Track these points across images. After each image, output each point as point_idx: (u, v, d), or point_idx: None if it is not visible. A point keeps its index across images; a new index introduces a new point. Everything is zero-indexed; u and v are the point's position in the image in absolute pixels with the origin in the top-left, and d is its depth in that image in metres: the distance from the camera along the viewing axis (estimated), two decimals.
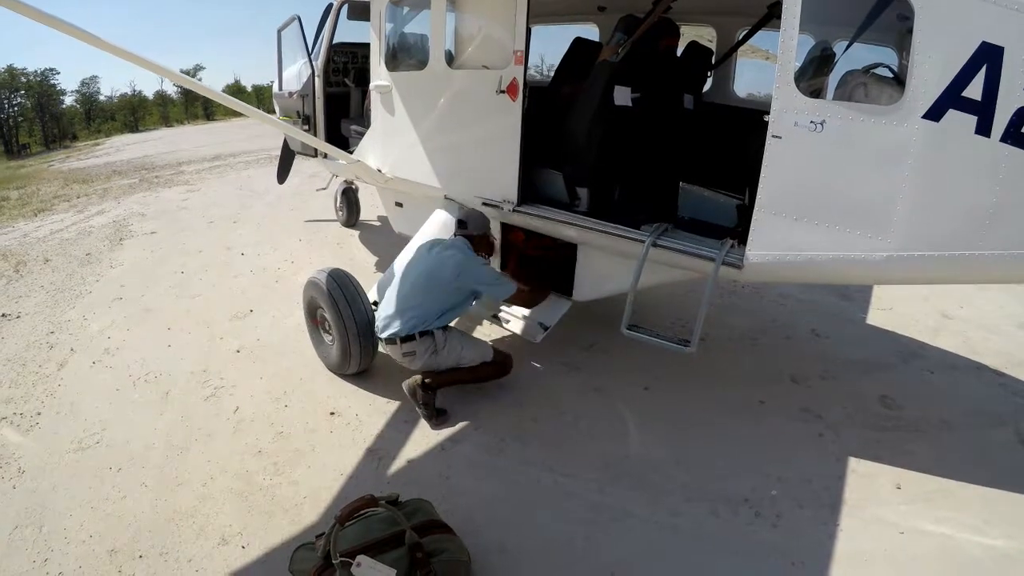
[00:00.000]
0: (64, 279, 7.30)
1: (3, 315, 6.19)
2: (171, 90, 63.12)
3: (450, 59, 4.73)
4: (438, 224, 4.94)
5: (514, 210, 4.41)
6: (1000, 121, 2.71)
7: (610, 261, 4.20)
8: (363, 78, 6.30)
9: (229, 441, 3.98)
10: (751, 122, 4.64)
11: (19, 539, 3.23)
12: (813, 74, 3.66)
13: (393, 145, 5.39)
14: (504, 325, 4.71)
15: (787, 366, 4.89)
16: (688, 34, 5.72)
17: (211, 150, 20.78)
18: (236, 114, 5.29)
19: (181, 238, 8.92)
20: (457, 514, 3.13)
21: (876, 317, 5.88)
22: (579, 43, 5.14)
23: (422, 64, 4.88)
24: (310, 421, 4.17)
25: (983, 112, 2.73)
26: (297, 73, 6.80)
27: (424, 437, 3.99)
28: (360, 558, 2.46)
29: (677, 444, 3.93)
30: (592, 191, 4.40)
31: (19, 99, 55.65)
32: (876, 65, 3.53)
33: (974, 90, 2.72)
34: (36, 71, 56.93)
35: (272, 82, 7.62)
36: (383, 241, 8.08)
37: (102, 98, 63.92)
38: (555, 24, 7.20)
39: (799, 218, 3.17)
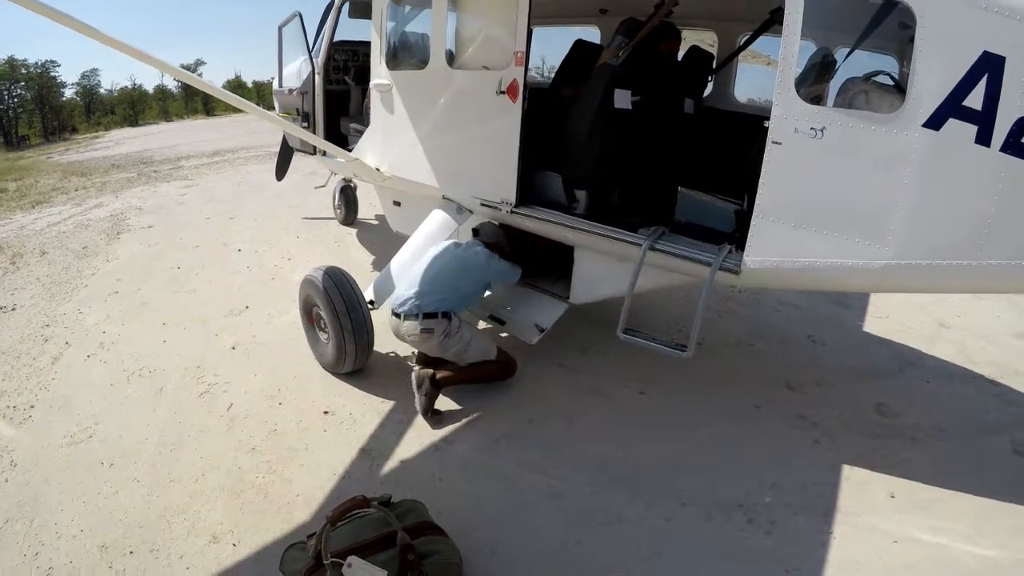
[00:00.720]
0: (60, 272, 7.28)
1: None
2: (171, 85, 63.02)
3: (451, 59, 4.72)
4: (436, 224, 4.93)
5: (512, 211, 4.41)
6: (1000, 131, 2.71)
7: (607, 264, 4.19)
8: (363, 76, 6.30)
9: (222, 438, 3.96)
10: (751, 127, 4.64)
11: (10, 533, 3.22)
12: (814, 81, 3.66)
13: (392, 144, 5.38)
14: (500, 326, 4.69)
15: (783, 372, 4.87)
16: (689, 38, 5.72)
17: (210, 145, 20.75)
18: (236, 110, 5.28)
19: (178, 233, 8.91)
20: (450, 515, 3.11)
21: (873, 325, 5.87)
22: (580, 45, 5.14)
23: (423, 63, 4.87)
24: (304, 419, 4.15)
25: (983, 122, 2.73)
26: (297, 70, 6.79)
27: (418, 437, 3.98)
28: (351, 559, 2.45)
29: (672, 448, 3.92)
30: (591, 194, 4.40)
31: (19, 91, 55.54)
32: (877, 73, 3.54)
33: (975, 100, 2.72)
34: (37, 63, 56.82)
35: (272, 79, 7.61)
36: (381, 240, 8.06)
37: (102, 91, 63.81)
38: (556, 26, 7.20)
39: (797, 224, 3.16)
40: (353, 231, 8.84)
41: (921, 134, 2.83)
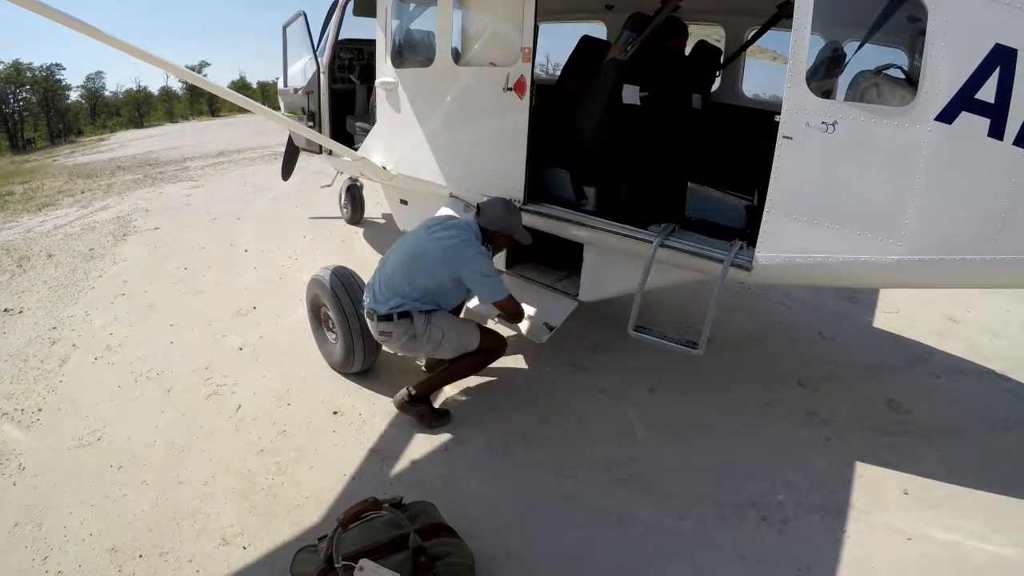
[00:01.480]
0: (67, 274, 7.28)
1: (6, 310, 6.17)
2: (176, 86, 63.09)
3: (457, 56, 4.70)
4: None
5: (521, 209, 4.37)
6: (1013, 124, 2.67)
7: (617, 261, 4.16)
8: (368, 75, 6.28)
9: (231, 440, 3.95)
10: (759, 122, 4.60)
11: (19, 536, 3.21)
12: (825, 74, 3.63)
13: (398, 142, 5.35)
14: (508, 325, 4.66)
15: (793, 369, 4.85)
16: (696, 33, 5.68)
17: (215, 146, 20.74)
18: (241, 110, 5.28)
19: (184, 234, 8.89)
20: (461, 517, 3.08)
21: (882, 320, 5.85)
22: (586, 41, 5.09)
23: (428, 61, 4.84)
24: (313, 420, 4.14)
25: (996, 115, 2.69)
26: (302, 69, 6.78)
27: (428, 438, 3.96)
28: (363, 562, 2.42)
29: (683, 447, 3.90)
30: (600, 190, 4.36)
31: (24, 94, 55.66)
32: (888, 66, 3.49)
33: (987, 92, 2.68)
34: (42, 66, 56.90)
35: (277, 79, 7.60)
36: (388, 239, 7.96)
37: (107, 93, 63.88)
38: (562, 22, 7.17)
39: (810, 220, 3.13)
40: (360, 230, 8.82)
41: (934, 128, 2.79)
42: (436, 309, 3.98)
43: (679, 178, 4.60)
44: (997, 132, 2.70)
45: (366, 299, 4.02)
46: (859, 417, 4.23)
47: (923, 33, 2.77)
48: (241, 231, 8.96)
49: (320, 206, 10.02)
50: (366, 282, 4.20)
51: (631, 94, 4.21)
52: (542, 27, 5.24)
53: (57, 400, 4.47)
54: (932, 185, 2.86)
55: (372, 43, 5.47)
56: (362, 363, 4.47)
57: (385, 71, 5.21)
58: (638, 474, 3.66)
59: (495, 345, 4.17)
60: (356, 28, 6.82)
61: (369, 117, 6.03)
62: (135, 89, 63.19)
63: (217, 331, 5.51)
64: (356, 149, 5.73)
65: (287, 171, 8.50)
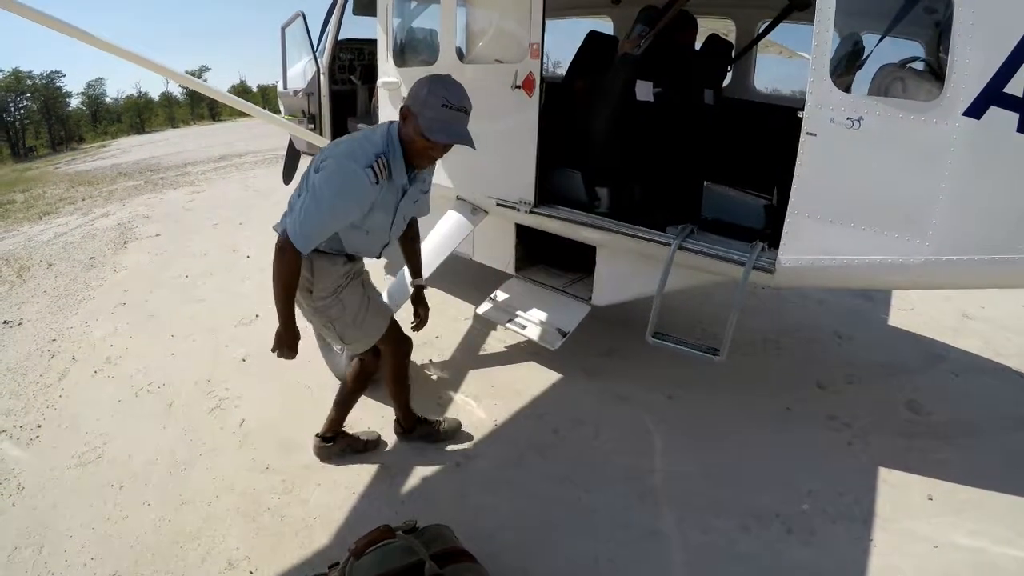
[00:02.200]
0: (67, 284, 7.20)
1: (4, 322, 6.08)
2: (176, 91, 63.37)
3: (461, 54, 4.58)
4: (450, 226, 4.78)
5: (531, 211, 4.24)
6: None
7: (631, 264, 4.03)
8: (370, 75, 6.20)
9: (235, 456, 3.82)
10: (775, 118, 4.48)
11: (19, 561, 3.10)
12: (847, 68, 3.50)
13: None
14: (520, 331, 4.53)
15: (812, 371, 4.73)
16: (706, 27, 5.57)
17: (216, 151, 20.75)
18: (242, 114, 5.19)
19: (186, 241, 8.82)
20: (476, 537, 2.96)
21: (898, 318, 5.73)
22: (593, 37, 4.98)
23: (432, 59, 4.70)
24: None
25: None
26: (302, 71, 6.69)
27: (439, 452, 3.83)
28: None
29: (704, 456, 3.77)
30: (613, 191, 4.24)
31: (25, 102, 55.90)
32: (913, 59, 3.38)
33: (1017, 86, 2.55)
34: (42, 74, 57.24)
35: (277, 81, 7.51)
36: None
37: (108, 100, 64.31)
38: (568, 18, 7.05)
39: (835, 220, 2.99)
40: None
41: (962, 123, 2.66)
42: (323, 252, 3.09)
43: (694, 177, 4.48)
44: None
45: None
46: (880, 419, 4.12)
47: (950, 24, 2.64)
48: (243, 236, 8.85)
49: None
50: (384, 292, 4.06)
51: (644, 90, 4.09)
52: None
53: (57, 416, 4.35)
54: (962, 183, 2.72)
55: (373, 43, 5.34)
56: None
57: (387, 71, 5.09)
58: (658, 486, 3.54)
59: (370, 360, 3.59)
60: (356, 27, 6.74)
61: (371, 118, 5.93)
62: (136, 95, 63.54)
63: (219, 341, 5.39)
64: None
65: (288, 174, 8.39)
